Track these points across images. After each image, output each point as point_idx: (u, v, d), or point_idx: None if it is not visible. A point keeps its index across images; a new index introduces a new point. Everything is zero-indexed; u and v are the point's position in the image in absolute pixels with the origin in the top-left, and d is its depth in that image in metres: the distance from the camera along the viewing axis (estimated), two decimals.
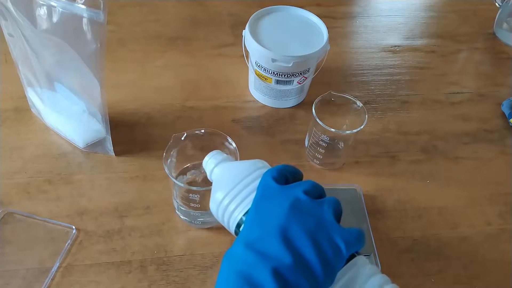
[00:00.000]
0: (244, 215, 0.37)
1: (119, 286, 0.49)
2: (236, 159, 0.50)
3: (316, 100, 0.58)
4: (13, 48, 0.56)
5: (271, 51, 0.61)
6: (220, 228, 0.55)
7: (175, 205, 0.55)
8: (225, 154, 0.44)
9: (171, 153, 0.51)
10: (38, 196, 0.56)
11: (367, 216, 0.56)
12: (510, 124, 0.71)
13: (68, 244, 0.51)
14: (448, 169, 0.65)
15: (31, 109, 0.64)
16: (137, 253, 0.52)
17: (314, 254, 0.31)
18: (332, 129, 0.56)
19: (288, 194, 0.35)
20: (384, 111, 0.72)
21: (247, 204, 0.37)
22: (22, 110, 0.65)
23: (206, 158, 0.44)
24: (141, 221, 0.55)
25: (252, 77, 0.69)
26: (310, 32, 0.66)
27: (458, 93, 0.76)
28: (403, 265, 0.54)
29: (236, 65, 0.74)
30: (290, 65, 0.62)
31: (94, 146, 0.60)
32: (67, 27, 0.46)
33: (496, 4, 0.90)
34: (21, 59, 0.57)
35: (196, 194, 0.49)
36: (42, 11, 0.46)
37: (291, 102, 0.70)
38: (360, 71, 0.78)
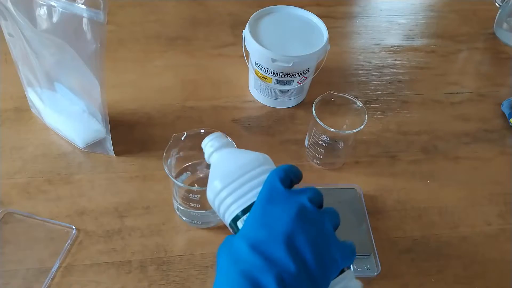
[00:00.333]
0: (242, 211, 0.36)
1: (119, 286, 0.49)
2: None
3: (316, 100, 0.58)
4: (13, 48, 0.56)
5: (271, 51, 0.61)
6: (220, 228, 0.55)
7: (175, 205, 0.55)
8: (226, 139, 0.43)
9: (171, 153, 0.51)
10: (38, 196, 0.56)
11: (367, 216, 0.56)
12: (510, 124, 0.71)
13: (68, 244, 0.51)
14: (448, 169, 0.65)
15: (31, 109, 0.64)
16: (137, 253, 0.52)
17: (316, 264, 0.32)
18: (332, 129, 0.56)
19: (295, 200, 0.35)
20: (384, 111, 0.72)
21: (246, 201, 0.36)
22: (22, 110, 0.65)
23: (206, 140, 0.42)
24: (141, 221, 0.55)
25: (252, 77, 0.69)
26: (310, 32, 0.66)
27: (458, 93, 0.76)
28: (403, 265, 0.54)
29: (236, 65, 0.74)
30: (290, 65, 0.62)
31: (94, 146, 0.60)
32: (67, 27, 0.46)
33: (496, 4, 0.90)
34: (21, 59, 0.57)
35: (196, 194, 0.49)
36: (42, 11, 0.46)
37: (291, 102, 0.70)
38: (360, 71, 0.78)
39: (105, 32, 0.46)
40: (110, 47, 0.75)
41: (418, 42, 0.86)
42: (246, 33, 0.65)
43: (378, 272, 0.51)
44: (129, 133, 0.64)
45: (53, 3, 0.45)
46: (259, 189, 0.36)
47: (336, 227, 0.36)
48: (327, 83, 0.74)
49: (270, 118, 0.69)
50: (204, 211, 0.52)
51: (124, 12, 0.83)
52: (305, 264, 0.32)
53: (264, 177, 0.37)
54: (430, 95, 0.75)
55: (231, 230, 0.38)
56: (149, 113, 0.67)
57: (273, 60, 0.62)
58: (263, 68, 0.64)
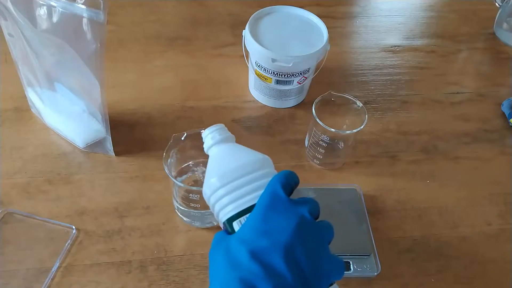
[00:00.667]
0: (238, 212, 0.36)
1: (119, 286, 0.49)
2: None
3: (316, 100, 0.58)
4: (13, 48, 0.56)
5: (271, 51, 0.61)
6: (220, 228, 0.55)
7: (175, 205, 0.55)
8: (227, 133, 0.42)
9: (171, 153, 0.51)
10: (38, 196, 0.56)
11: (367, 216, 0.56)
12: (510, 124, 0.71)
13: (68, 244, 0.51)
14: (448, 169, 0.65)
15: (31, 109, 0.64)
16: (137, 253, 0.52)
17: (313, 277, 0.33)
18: (332, 129, 0.56)
19: (296, 211, 0.35)
20: (384, 111, 0.72)
21: (244, 203, 0.36)
22: (22, 110, 0.65)
23: (207, 131, 0.41)
24: (141, 221, 0.55)
25: (252, 77, 0.69)
26: (310, 32, 0.66)
27: (458, 93, 0.76)
28: (403, 265, 0.54)
29: (236, 65, 0.74)
30: (290, 65, 0.62)
31: (94, 146, 0.60)
32: (67, 27, 0.46)
33: (496, 4, 0.90)
34: (21, 59, 0.57)
35: (196, 194, 0.49)
36: (42, 11, 0.46)
37: (291, 102, 0.70)
38: (360, 71, 0.78)
39: (105, 32, 0.46)
40: (110, 47, 0.75)
41: (418, 42, 0.86)
42: (246, 33, 0.65)
43: (378, 272, 0.51)
44: (129, 133, 0.64)
45: (53, 3, 0.45)
46: (258, 192, 0.36)
47: (330, 240, 0.36)
48: (327, 83, 0.74)
49: (270, 118, 0.69)
50: (204, 211, 0.52)
51: (124, 12, 0.83)
52: (302, 276, 0.32)
53: (264, 181, 0.36)
54: (430, 95, 0.75)
55: (223, 228, 0.37)
56: (149, 113, 0.67)
57: (273, 60, 0.62)
58: (263, 68, 0.64)
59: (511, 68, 0.83)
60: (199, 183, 0.56)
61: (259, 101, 0.71)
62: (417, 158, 0.65)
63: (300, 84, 0.66)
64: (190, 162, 0.56)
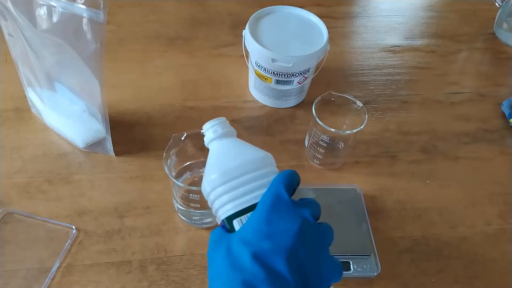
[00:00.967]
0: (239, 211, 0.35)
1: (119, 286, 0.49)
2: None
3: (316, 100, 0.58)
4: (13, 48, 0.56)
5: (271, 51, 0.61)
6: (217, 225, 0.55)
7: (175, 205, 0.55)
8: (229, 127, 0.41)
9: (171, 153, 0.51)
10: (38, 196, 0.56)
11: (367, 216, 0.56)
12: (510, 124, 0.71)
13: (68, 244, 0.51)
14: (448, 169, 0.65)
15: (31, 109, 0.64)
16: (137, 253, 0.52)
17: (315, 280, 0.33)
18: (332, 129, 0.56)
19: (299, 214, 0.34)
20: (384, 111, 0.72)
21: (245, 202, 0.35)
22: (22, 110, 0.65)
23: (209, 124, 0.40)
24: (141, 221, 0.55)
25: (252, 77, 0.69)
26: (310, 32, 0.66)
27: (458, 93, 0.76)
28: (403, 265, 0.54)
29: (236, 65, 0.74)
30: (290, 65, 0.62)
31: (94, 146, 0.60)
32: (67, 27, 0.46)
33: (496, 4, 0.90)
34: (21, 59, 0.57)
35: (196, 194, 0.49)
36: (42, 11, 0.46)
37: (291, 102, 0.70)
38: (360, 71, 0.78)
39: (105, 32, 0.46)
40: (110, 47, 0.75)
41: (418, 42, 0.86)
42: (246, 33, 0.65)
43: (378, 272, 0.51)
44: (129, 133, 0.64)
45: (53, 3, 0.45)
46: (260, 191, 0.35)
47: (330, 243, 0.36)
48: (327, 83, 0.74)
49: (270, 118, 0.69)
50: (204, 211, 0.52)
51: (124, 12, 0.83)
52: (305, 279, 0.32)
53: (266, 180, 0.36)
54: (430, 95, 0.75)
55: (220, 224, 0.37)
56: (149, 113, 0.67)
57: (273, 60, 0.62)
58: (263, 68, 0.64)
59: (511, 68, 0.83)
60: (199, 183, 0.56)
61: (259, 101, 0.71)
62: (417, 158, 0.65)
63: (300, 84, 0.66)
64: (190, 162, 0.56)
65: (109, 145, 0.60)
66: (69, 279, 0.49)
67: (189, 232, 0.54)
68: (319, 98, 0.59)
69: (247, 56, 0.67)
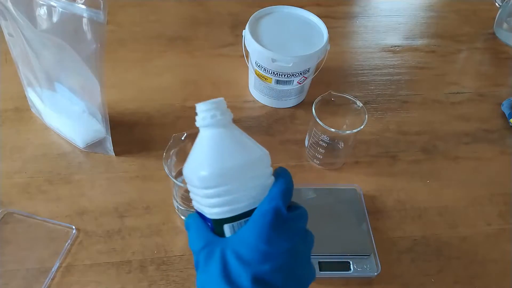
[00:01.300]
0: (228, 218, 0.32)
1: (119, 286, 0.49)
2: None
3: (316, 100, 0.58)
4: (13, 48, 0.56)
5: (271, 51, 0.61)
6: None
7: (175, 205, 0.55)
8: (228, 113, 0.36)
9: (171, 153, 0.51)
10: (38, 196, 0.56)
11: (367, 216, 0.56)
12: (510, 124, 0.71)
13: (68, 244, 0.51)
14: (448, 169, 0.65)
15: (31, 109, 0.64)
16: (137, 253, 0.52)
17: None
18: (332, 129, 0.56)
19: (297, 230, 0.34)
20: (384, 111, 0.72)
21: (237, 209, 0.32)
22: (22, 110, 0.65)
23: (205, 106, 0.35)
24: (141, 221, 0.55)
25: (252, 77, 0.69)
26: (310, 32, 0.66)
27: (458, 93, 0.76)
28: (403, 265, 0.54)
29: (236, 65, 0.74)
30: (290, 65, 0.62)
31: (94, 146, 0.60)
32: (67, 27, 0.46)
33: (496, 4, 0.90)
34: (21, 59, 0.57)
35: None
36: (42, 11, 0.46)
37: (291, 102, 0.70)
38: (360, 71, 0.78)
39: (105, 32, 0.46)
40: (110, 47, 0.75)
41: (418, 42, 0.86)
42: (246, 33, 0.65)
43: (378, 272, 0.51)
44: (129, 133, 0.64)
45: (53, 3, 0.45)
46: (256, 197, 0.33)
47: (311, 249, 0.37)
48: (327, 83, 0.74)
49: (270, 118, 0.69)
50: None
51: (124, 12, 0.83)
52: None
53: (263, 184, 0.33)
54: (430, 95, 0.75)
55: (199, 216, 0.34)
56: (149, 113, 0.67)
57: (273, 60, 0.62)
58: (263, 68, 0.64)
59: (511, 68, 0.83)
60: None
61: (259, 101, 0.71)
62: (417, 158, 0.65)
63: (300, 84, 0.66)
64: None
65: (109, 145, 0.60)
66: (69, 279, 0.49)
67: None
68: (319, 98, 0.59)
69: (247, 56, 0.67)
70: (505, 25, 0.88)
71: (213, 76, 0.74)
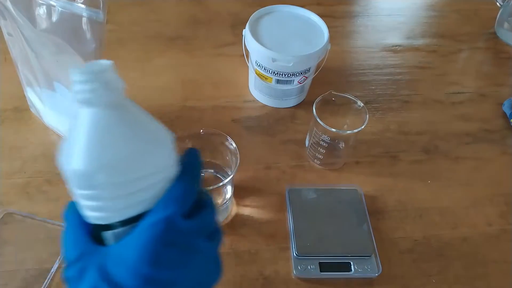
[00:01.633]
0: (119, 222, 0.26)
1: None
2: (237, 160, 0.50)
3: (317, 100, 0.58)
4: (12, 48, 0.56)
5: (272, 51, 0.61)
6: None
7: None
8: (115, 87, 0.26)
9: None
10: (38, 196, 0.56)
11: (367, 216, 0.56)
12: (511, 124, 0.71)
13: None
14: (449, 169, 0.64)
15: (31, 109, 0.64)
16: None
17: None
18: (333, 129, 0.56)
19: (197, 244, 0.27)
20: (385, 111, 0.72)
21: (129, 212, 0.26)
22: (21, 110, 0.64)
23: (79, 76, 0.24)
24: None
25: (252, 76, 0.69)
26: (310, 32, 0.66)
27: (459, 93, 0.76)
28: (404, 266, 0.53)
29: (236, 64, 0.74)
30: (291, 64, 0.61)
31: None
32: (67, 26, 0.46)
33: (497, 3, 0.90)
34: (21, 58, 0.56)
35: None
36: (41, 11, 0.46)
37: (291, 102, 0.70)
38: (360, 71, 0.78)
39: (104, 31, 0.46)
40: (109, 47, 0.75)
41: (419, 42, 0.86)
42: (246, 32, 0.64)
43: (379, 273, 0.51)
44: None
45: (52, 3, 0.45)
46: (151, 199, 0.26)
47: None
48: (328, 83, 0.73)
49: (271, 118, 0.69)
50: None
51: (124, 11, 0.83)
52: None
53: (163, 179, 0.26)
54: (431, 95, 0.75)
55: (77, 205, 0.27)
56: (149, 113, 0.66)
57: (274, 60, 0.61)
58: (263, 68, 0.64)
59: None
60: None
61: (259, 101, 0.71)
62: (418, 158, 0.65)
63: (300, 83, 0.66)
64: None
65: None
66: None
67: None
68: (319, 98, 0.59)
69: (247, 56, 0.67)
70: (506, 25, 0.87)
71: (213, 75, 0.74)
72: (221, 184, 0.48)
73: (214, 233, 0.29)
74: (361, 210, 0.57)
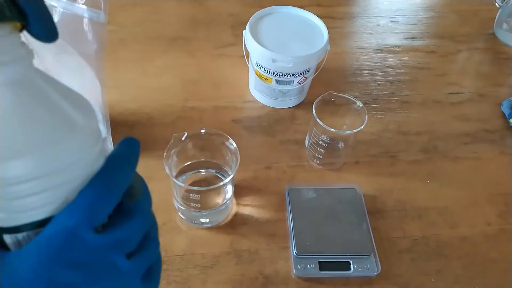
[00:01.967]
0: (7, 228, 0.21)
1: None
2: (237, 160, 0.50)
3: (316, 100, 0.59)
4: None
5: (272, 51, 0.61)
6: (220, 228, 0.55)
7: (176, 205, 0.55)
8: (18, 58, 0.23)
9: (172, 153, 0.51)
10: None
11: (367, 216, 0.56)
12: (510, 124, 0.71)
13: None
14: (448, 169, 0.65)
15: None
16: None
17: None
18: (332, 129, 0.56)
19: (110, 263, 0.22)
20: (384, 111, 0.72)
21: (16, 219, 0.21)
22: None
23: None
24: None
25: (252, 77, 0.69)
26: (310, 32, 0.66)
27: (458, 93, 0.77)
28: (403, 265, 0.54)
29: (236, 65, 0.75)
30: (290, 65, 0.62)
31: None
32: (68, 27, 0.46)
33: (496, 4, 0.91)
34: None
35: (196, 194, 0.49)
36: None
37: (291, 102, 0.70)
38: (360, 71, 0.78)
39: (105, 32, 0.46)
40: (110, 47, 0.75)
41: (418, 42, 0.86)
42: (246, 33, 0.65)
43: (378, 272, 0.51)
44: (130, 133, 0.63)
45: (53, 3, 0.45)
46: (62, 201, 0.21)
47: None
48: (327, 83, 0.74)
49: (271, 118, 0.69)
50: (204, 211, 0.52)
51: (125, 12, 0.83)
52: None
53: (81, 175, 0.22)
54: (430, 95, 0.76)
55: None
56: (150, 113, 0.67)
57: (274, 61, 0.62)
58: (263, 68, 0.64)
59: (511, 68, 0.83)
60: (199, 183, 0.56)
61: (259, 101, 0.71)
62: (417, 158, 0.65)
63: (300, 84, 0.67)
64: (191, 162, 0.56)
65: (110, 145, 0.60)
66: None
67: (190, 232, 0.54)
68: (319, 98, 0.59)
69: (248, 56, 0.67)
70: (505, 26, 0.88)
71: (214, 76, 0.74)
72: (221, 183, 0.48)
73: (141, 250, 0.24)
74: (361, 209, 0.57)
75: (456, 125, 0.71)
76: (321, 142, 0.59)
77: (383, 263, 0.52)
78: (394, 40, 0.86)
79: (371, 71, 0.79)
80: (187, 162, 0.56)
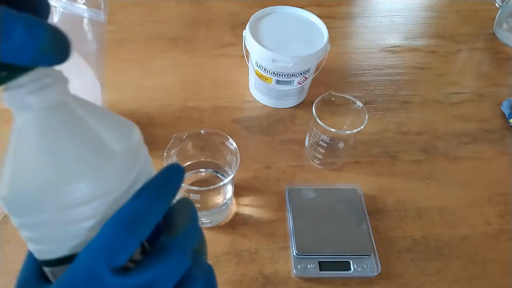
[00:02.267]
0: (44, 261, 0.22)
1: None
2: (237, 160, 0.50)
3: (316, 100, 0.59)
4: None
5: (272, 51, 0.61)
6: (220, 228, 0.55)
7: None
8: (64, 86, 0.22)
9: (172, 153, 0.51)
10: None
11: (367, 216, 0.56)
12: (510, 124, 0.71)
13: None
14: (448, 169, 0.65)
15: None
16: None
17: None
18: (332, 129, 0.56)
19: None
20: (384, 111, 0.72)
21: (47, 252, 0.21)
22: None
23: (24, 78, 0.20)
24: None
25: (252, 77, 0.69)
26: (310, 33, 0.66)
27: (458, 93, 0.77)
28: (403, 265, 0.54)
29: (236, 65, 0.75)
30: (290, 65, 0.62)
31: None
32: (68, 27, 0.46)
33: (496, 4, 0.91)
34: None
35: (196, 194, 0.49)
36: None
37: (291, 102, 0.70)
38: (360, 71, 0.79)
39: (105, 32, 0.46)
40: (110, 47, 0.75)
41: (418, 42, 0.86)
42: (246, 33, 0.65)
43: (378, 272, 0.51)
44: None
45: (53, 3, 0.45)
46: (88, 235, 0.20)
47: None
48: (327, 83, 0.74)
49: (271, 118, 0.69)
50: (204, 211, 0.52)
51: (125, 12, 0.84)
52: None
53: (109, 209, 0.20)
54: (430, 95, 0.76)
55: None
56: (150, 113, 0.67)
57: (274, 61, 0.62)
58: (263, 68, 0.64)
59: (511, 68, 0.83)
60: (199, 183, 0.56)
61: (259, 101, 0.71)
62: (417, 158, 0.65)
63: (300, 84, 0.67)
64: (190, 162, 0.56)
65: None
66: None
67: None
68: (319, 98, 0.59)
69: (248, 56, 0.67)
70: (505, 26, 0.88)
71: (214, 76, 0.74)
72: (221, 183, 0.48)
73: None
74: (361, 209, 0.57)
75: (456, 125, 0.71)
76: (321, 142, 0.59)
77: (383, 263, 0.52)
78: (394, 40, 0.86)
79: (371, 71, 0.79)
80: (187, 162, 0.56)
